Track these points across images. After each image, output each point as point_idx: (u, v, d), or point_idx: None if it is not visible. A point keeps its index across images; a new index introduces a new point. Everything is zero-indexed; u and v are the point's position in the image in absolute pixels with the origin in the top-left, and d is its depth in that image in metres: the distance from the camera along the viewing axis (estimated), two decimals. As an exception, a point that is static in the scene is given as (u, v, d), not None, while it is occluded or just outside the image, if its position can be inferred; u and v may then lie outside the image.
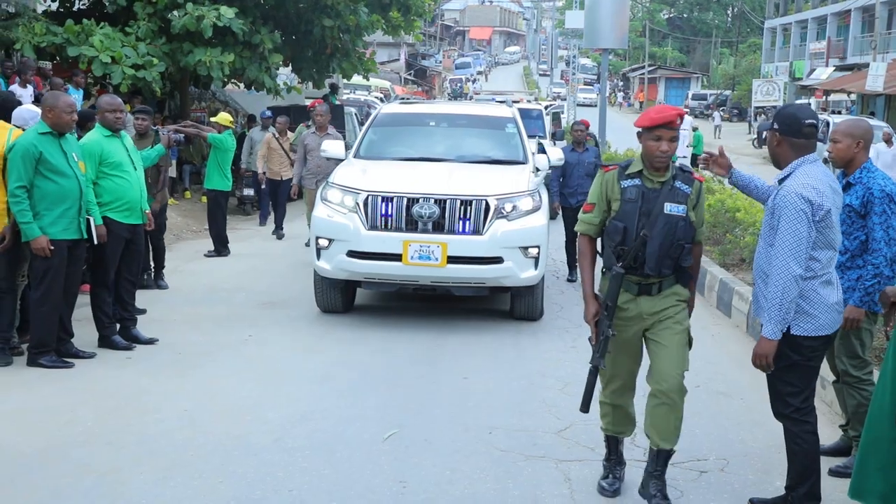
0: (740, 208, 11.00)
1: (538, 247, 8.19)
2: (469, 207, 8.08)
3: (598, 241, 4.91)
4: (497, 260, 8.03)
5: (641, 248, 4.55)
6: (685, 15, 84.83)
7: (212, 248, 12.19)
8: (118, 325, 7.79)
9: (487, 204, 8.09)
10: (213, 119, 12.73)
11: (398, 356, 7.58)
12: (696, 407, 6.42)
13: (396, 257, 7.96)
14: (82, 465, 5.28)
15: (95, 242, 7.28)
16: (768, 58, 63.28)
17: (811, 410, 4.55)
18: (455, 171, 8.74)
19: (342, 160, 9.55)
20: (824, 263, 4.48)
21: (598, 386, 4.89)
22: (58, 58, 14.89)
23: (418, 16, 19.43)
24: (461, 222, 8.05)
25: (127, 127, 8.66)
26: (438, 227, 8.04)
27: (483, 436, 5.87)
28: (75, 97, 12.13)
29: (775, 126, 4.56)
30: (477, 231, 8.05)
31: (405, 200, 8.08)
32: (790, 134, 4.48)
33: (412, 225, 8.04)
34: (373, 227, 8.10)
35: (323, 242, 8.25)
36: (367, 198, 8.17)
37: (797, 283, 4.33)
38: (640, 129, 4.59)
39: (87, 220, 7.19)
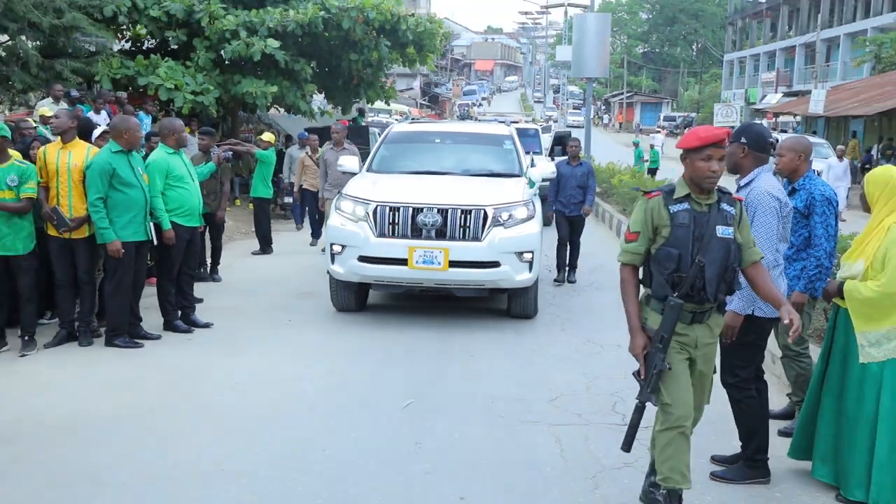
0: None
1: (532, 252, 7.86)
2: (469, 216, 7.75)
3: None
4: (494, 264, 7.70)
5: (699, 274, 3.84)
6: (657, 50, 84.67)
7: (258, 247, 12.23)
8: (180, 312, 7.82)
9: (485, 213, 7.77)
10: (259, 138, 12.79)
11: (412, 340, 7.57)
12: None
13: (402, 262, 7.65)
14: (150, 428, 5.33)
15: (155, 243, 7.34)
16: (727, 85, 63.15)
17: (753, 380, 4.59)
18: (457, 183, 8.45)
19: (356, 173, 9.22)
20: (782, 254, 4.57)
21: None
22: (130, 87, 15.00)
23: (431, 51, 19.37)
24: (461, 230, 7.73)
25: (189, 145, 8.72)
26: (441, 234, 7.71)
27: (486, 404, 5.90)
28: (145, 121, 12.20)
29: (743, 140, 4.57)
30: (476, 238, 7.72)
31: (410, 210, 7.75)
32: (756, 148, 4.55)
33: (417, 232, 7.71)
34: (381, 235, 7.76)
35: (336, 248, 7.94)
36: (375, 207, 7.84)
37: (767, 268, 4.33)
38: (684, 151, 3.92)
39: (152, 224, 7.26)
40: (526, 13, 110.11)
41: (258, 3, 16.24)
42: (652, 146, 27.00)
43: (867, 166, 23.05)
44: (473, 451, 5.05)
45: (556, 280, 10.35)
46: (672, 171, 22.55)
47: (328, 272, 8.25)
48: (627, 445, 4.06)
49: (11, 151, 6.81)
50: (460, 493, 4.46)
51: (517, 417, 5.64)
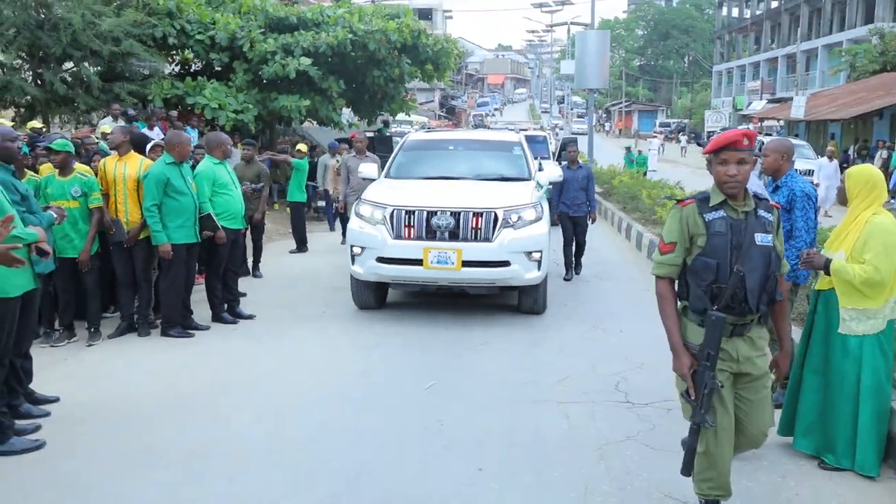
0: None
1: (540, 251, 7.52)
2: (480, 218, 7.42)
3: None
4: (505, 263, 7.38)
5: (739, 284, 3.32)
6: (652, 62, 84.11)
7: (294, 246, 12.27)
8: (226, 305, 7.87)
9: (496, 215, 7.44)
10: (296, 149, 12.85)
11: (431, 330, 7.54)
12: (667, 356, 6.41)
13: (418, 262, 7.36)
14: (200, 408, 5.37)
15: (199, 240, 7.34)
16: (716, 94, 62.71)
17: None
18: (469, 188, 8.15)
19: (375, 179, 8.86)
20: None
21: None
22: (179, 106, 15.12)
23: (447, 68, 19.37)
24: (473, 231, 7.40)
25: (232, 156, 8.77)
26: (454, 235, 7.39)
27: (500, 385, 5.89)
28: (192, 135, 12.28)
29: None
30: (487, 239, 7.40)
31: (425, 213, 7.43)
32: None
33: (431, 234, 7.39)
34: (398, 237, 7.45)
35: (356, 250, 7.65)
36: (392, 211, 7.53)
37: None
38: (708, 157, 3.51)
39: (201, 227, 7.30)
40: (533, 31, 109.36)
41: (292, 28, 16.30)
42: (640, 151, 26.80)
43: (844, 165, 22.87)
44: (489, 427, 5.05)
45: (564, 278, 10.09)
46: (666, 173, 22.43)
47: (350, 273, 8.02)
48: (687, 469, 3.54)
49: (78, 165, 6.88)
50: (478, 465, 4.46)
51: (528, 397, 5.63)
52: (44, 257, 4.80)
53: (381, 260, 7.48)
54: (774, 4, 54.29)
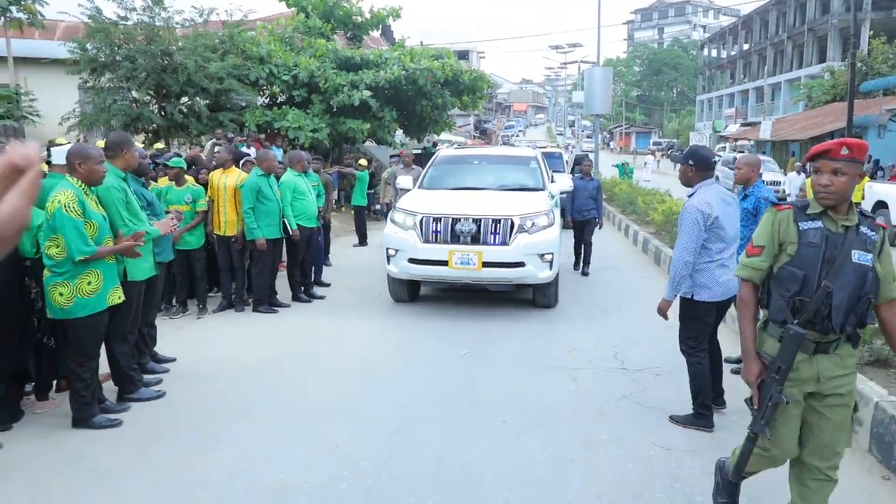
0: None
1: (552, 253, 7.04)
2: (499, 224, 6.95)
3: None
4: (520, 264, 6.91)
5: (825, 301, 2.56)
6: (647, 93, 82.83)
7: (357, 241, 12.33)
8: (303, 287, 7.93)
9: (512, 222, 6.96)
10: (358, 162, 12.92)
11: (464, 311, 7.53)
12: (656, 333, 6.33)
13: (444, 263, 6.92)
14: (282, 371, 5.41)
15: (282, 236, 7.38)
16: (699, 118, 61.48)
17: (700, 350, 4.28)
18: (489, 197, 7.60)
19: (410, 190, 8.37)
20: (717, 252, 4.15)
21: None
22: (268, 129, 15.29)
23: (480, 97, 19.29)
24: (492, 236, 6.94)
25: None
26: (475, 239, 6.93)
27: (520, 355, 5.86)
28: (277, 153, 12.40)
29: (690, 162, 4.22)
30: (504, 242, 6.92)
31: (450, 220, 6.98)
32: (701, 168, 4.24)
33: (455, 238, 6.95)
34: (426, 241, 7.00)
35: (391, 252, 7.22)
36: (422, 218, 7.07)
37: (687, 266, 4.09)
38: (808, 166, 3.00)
39: (285, 225, 7.36)
40: (550, 68, 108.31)
41: (357, 67, 16.35)
42: (626, 163, 26.28)
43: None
44: (512, 388, 5.03)
45: (577, 270, 9.77)
46: (658, 184, 22.06)
47: (386, 271, 7.56)
48: (737, 475, 2.93)
49: (187, 177, 7.00)
50: (502, 418, 4.44)
51: (543, 364, 5.59)
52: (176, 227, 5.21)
53: (412, 261, 7.09)
54: (746, 47, 53.25)
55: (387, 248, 7.32)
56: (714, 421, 4.30)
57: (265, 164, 7.10)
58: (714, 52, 64.30)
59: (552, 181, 8.68)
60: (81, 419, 4.23)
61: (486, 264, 6.89)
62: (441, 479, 3.62)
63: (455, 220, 7.00)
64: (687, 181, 4.32)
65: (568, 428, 4.30)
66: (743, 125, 43.76)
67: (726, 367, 5.01)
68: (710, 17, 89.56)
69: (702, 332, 4.28)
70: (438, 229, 7.02)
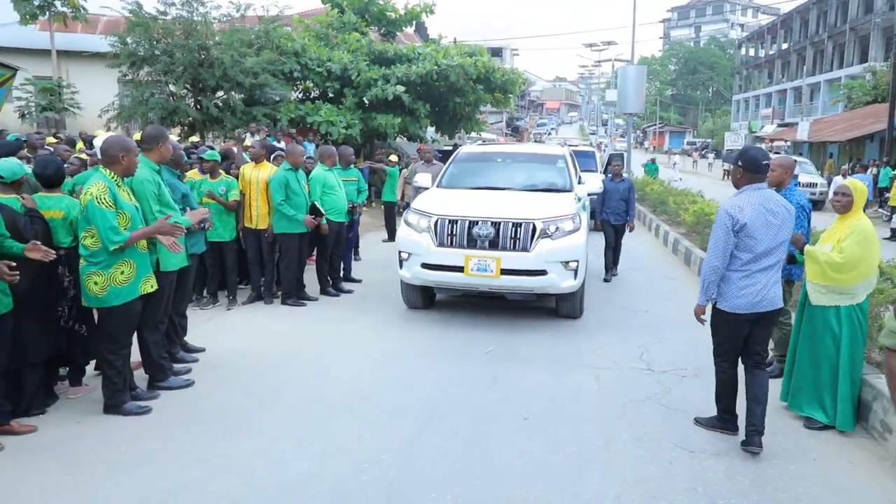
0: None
1: (577, 261, 6.41)
2: (519, 229, 6.32)
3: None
4: (542, 272, 6.29)
5: None
6: (682, 92, 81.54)
7: (386, 236, 12.37)
8: (331, 281, 7.99)
9: (534, 226, 6.33)
10: (389, 158, 12.96)
11: (488, 307, 7.46)
12: (683, 334, 6.25)
13: (459, 269, 6.33)
14: (308, 362, 5.47)
15: (308, 231, 7.34)
16: (735, 119, 60.33)
17: (725, 358, 4.12)
18: (511, 199, 6.95)
19: (428, 188, 7.80)
20: (744, 262, 3.88)
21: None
22: (301, 124, 15.44)
23: (512, 94, 19.22)
24: (512, 241, 6.30)
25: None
26: (494, 244, 6.32)
27: (546, 352, 5.84)
28: (309, 148, 12.52)
29: (739, 163, 3.96)
30: (525, 248, 6.28)
31: (467, 223, 6.39)
32: (749, 170, 3.97)
33: (472, 243, 6.35)
34: (441, 245, 6.44)
35: (404, 255, 6.66)
36: (436, 220, 6.50)
37: (716, 272, 3.90)
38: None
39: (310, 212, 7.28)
40: (583, 66, 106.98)
41: (390, 62, 16.41)
42: (654, 160, 25.99)
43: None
44: (535, 385, 5.01)
45: (605, 279, 9.04)
46: (690, 184, 21.69)
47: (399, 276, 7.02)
48: None
49: (220, 170, 7.10)
50: (524, 415, 4.43)
51: (568, 362, 5.56)
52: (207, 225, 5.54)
53: (425, 266, 6.52)
54: (785, 46, 52.04)
55: (399, 252, 6.77)
56: (738, 425, 4.24)
57: (292, 158, 7.16)
58: (752, 52, 62.99)
59: (580, 182, 8.11)
60: (112, 405, 4.34)
61: (504, 271, 6.30)
62: (461, 474, 3.63)
63: (472, 223, 6.41)
64: (735, 183, 4.08)
65: (590, 427, 4.27)
66: (780, 126, 42.93)
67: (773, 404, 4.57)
68: (749, 16, 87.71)
69: (726, 340, 4.10)
70: (454, 232, 6.46)
